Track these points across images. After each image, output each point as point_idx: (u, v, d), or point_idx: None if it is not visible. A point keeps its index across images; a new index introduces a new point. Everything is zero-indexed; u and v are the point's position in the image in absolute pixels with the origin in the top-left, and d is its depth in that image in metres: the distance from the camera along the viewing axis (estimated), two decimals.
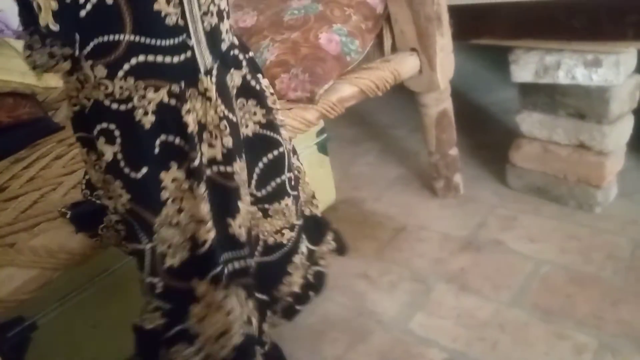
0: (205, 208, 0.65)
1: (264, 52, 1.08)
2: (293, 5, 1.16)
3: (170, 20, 0.60)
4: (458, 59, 1.29)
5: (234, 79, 0.71)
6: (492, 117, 1.84)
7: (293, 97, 1.01)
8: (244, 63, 0.73)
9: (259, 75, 0.76)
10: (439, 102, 1.27)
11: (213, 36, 0.66)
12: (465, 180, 1.47)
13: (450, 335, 1.03)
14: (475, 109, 1.91)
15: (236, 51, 0.72)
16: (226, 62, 0.69)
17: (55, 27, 0.55)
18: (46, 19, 0.55)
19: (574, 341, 0.97)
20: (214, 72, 0.66)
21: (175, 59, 0.62)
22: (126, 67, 0.60)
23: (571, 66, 1.19)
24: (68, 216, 0.78)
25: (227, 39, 0.69)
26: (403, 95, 1.39)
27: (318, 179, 1.36)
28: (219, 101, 0.66)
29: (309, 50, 1.04)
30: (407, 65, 1.16)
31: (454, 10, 1.24)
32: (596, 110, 1.21)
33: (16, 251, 0.72)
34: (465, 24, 1.27)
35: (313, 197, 0.89)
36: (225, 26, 0.68)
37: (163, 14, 0.59)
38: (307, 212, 0.88)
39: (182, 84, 0.63)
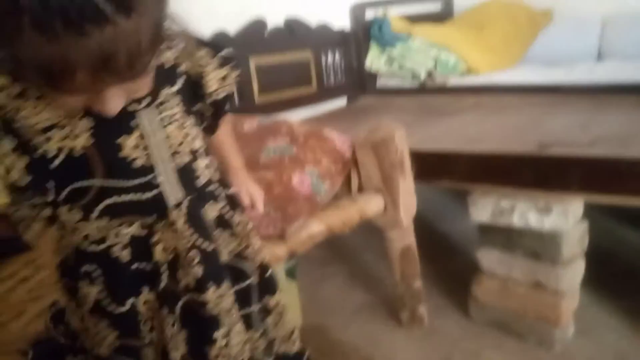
0: (169, 332, 0.68)
1: None
2: (270, 146, 1.25)
3: (137, 164, 0.66)
4: (423, 189, 1.38)
5: (211, 211, 0.75)
6: (456, 246, 1.92)
7: (264, 233, 1.06)
8: (221, 197, 0.77)
9: (239, 210, 0.80)
10: (402, 238, 1.33)
11: (185, 173, 0.70)
12: (431, 310, 1.50)
13: None
14: (439, 237, 2.00)
15: (213, 187, 0.76)
16: (202, 196, 0.73)
17: (26, 181, 0.62)
18: (14, 177, 0.62)
19: None
20: (184, 205, 0.70)
21: (145, 196, 0.67)
22: (100, 207, 0.65)
23: (524, 211, 1.28)
24: (29, 357, 0.77)
25: (204, 175, 0.74)
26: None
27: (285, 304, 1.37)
28: (189, 232, 0.69)
29: (282, 190, 1.11)
30: (372, 204, 1.24)
31: (416, 155, 1.35)
32: (549, 252, 1.29)
33: None
34: (427, 168, 1.38)
35: (292, 333, 0.89)
36: (200, 164, 0.73)
37: (130, 159, 0.65)
38: (281, 350, 0.87)
39: (154, 217, 0.68)
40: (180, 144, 0.69)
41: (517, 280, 1.36)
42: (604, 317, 1.43)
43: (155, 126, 0.67)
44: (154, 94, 0.66)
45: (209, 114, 0.76)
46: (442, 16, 2.93)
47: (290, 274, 1.47)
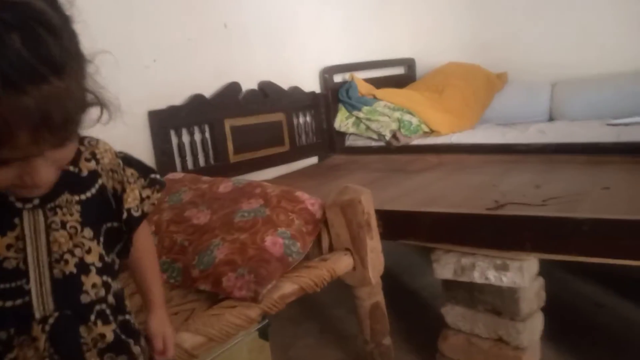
0: None
1: (213, 250, 1.19)
2: (244, 208, 1.31)
3: (9, 264, 0.61)
4: (391, 244, 1.44)
5: (98, 332, 0.67)
6: (423, 302, 1.97)
7: (238, 296, 1.09)
8: (113, 320, 0.70)
9: (138, 338, 0.75)
10: (371, 296, 1.39)
11: (65, 285, 0.64)
12: None
13: None
14: (408, 293, 2.05)
15: (104, 307, 0.68)
16: (83, 313, 0.66)
17: None
18: None
19: None
20: (51, 320, 0.63)
21: (9, 303, 0.61)
22: None
23: (484, 268, 1.36)
24: None
25: (93, 293, 0.67)
26: None
27: None
28: (51, 351, 0.63)
29: (255, 252, 1.16)
30: (342, 263, 1.30)
31: (382, 214, 1.43)
32: (509, 308, 1.36)
33: None
34: (393, 227, 1.46)
35: None
36: (90, 280, 0.67)
37: (1, 258, 0.61)
38: None
39: (12, 331, 0.62)
40: (67, 252, 0.65)
41: (480, 335, 1.42)
42: None
43: (40, 228, 0.63)
44: (51, 196, 0.64)
45: (124, 230, 0.73)
46: (406, 79, 3.12)
47: (263, 334, 1.49)
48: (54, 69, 0.49)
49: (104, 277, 0.69)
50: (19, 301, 0.62)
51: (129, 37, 1.82)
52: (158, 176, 0.78)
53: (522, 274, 1.31)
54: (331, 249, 1.36)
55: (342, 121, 2.65)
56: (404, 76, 3.15)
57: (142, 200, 0.74)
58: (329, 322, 1.92)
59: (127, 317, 0.73)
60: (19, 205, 0.62)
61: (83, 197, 0.68)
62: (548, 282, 1.42)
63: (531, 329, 1.37)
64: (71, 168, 0.67)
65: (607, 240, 1.22)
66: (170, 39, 1.97)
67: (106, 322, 0.68)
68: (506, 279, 1.33)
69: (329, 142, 2.69)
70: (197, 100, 2.02)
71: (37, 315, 0.63)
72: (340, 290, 2.04)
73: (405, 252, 2.29)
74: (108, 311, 0.69)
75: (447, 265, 1.41)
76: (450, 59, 3.00)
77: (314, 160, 2.64)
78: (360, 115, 2.59)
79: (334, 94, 2.69)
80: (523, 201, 1.46)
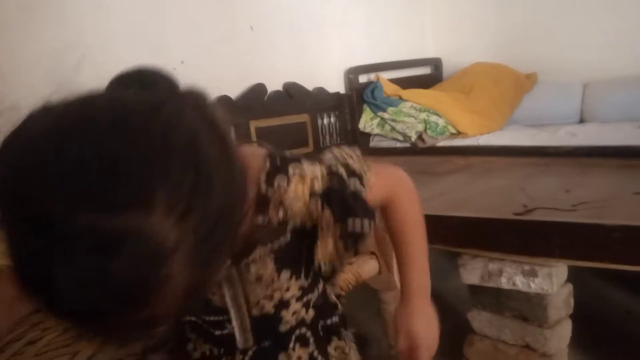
0: None
1: None
2: None
3: (215, 302, 0.67)
4: None
5: (296, 356, 0.70)
6: (449, 307, 1.95)
7: None
8: (311, 340, 0.71)
9: (334, 341, 0.75)
10: (396, 300, 1.37)
11: (264, 321, 0.68)
12: None
13: None
14: (433, 297, 2.03)
15: (303, 330, 0.71)
16: (283, 342, 0.69)
17: None
18: None
19: None
20: (250, 353, 0.68)
21: (217, 332, 0.69)
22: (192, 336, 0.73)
23: (511, 274, 1.34)
24: None
25: (293, 320, 0.69)
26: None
27: None
28: None
29: None
30: (367, 267, 1.30)
31: None
32: (536, 314, 1.34)
33: None
34: None
35: None
36: (290, 310, 0.69)
37: (211, 296, 0.66)
38: None
39: (222, 350, 0.70)
40: (264, 298, 0.67)
41: (506, 341, 1.40)
42: None
43: (235, 282, 0.65)
44: (244, 252, 0.63)
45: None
46: (432, 79, 3.08)
47: None
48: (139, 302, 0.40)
49: (305, 299, 0.70)
50: (226, 331, 0.69)
51: (160, 40, 1.86)
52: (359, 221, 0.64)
53: (550, 280, 1.29)
54: (357, 253, 1.36)
55: (367, 122, 2.64)
56: (430, 76, 3.12)
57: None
58: (351, 325, 1.92)
59: (335, 318, 0.76)
60: None
61: (276, 245, 0.63)
62: (577, 289, 1.40)
63: (559, 336, 1.35)
64: (260, 220, 0.59)
65: (639, 248, 1.19)
66: (198, 41, 2.00)
67: (304, 344, 0.71)
68: (534, 285, 1.31)
69: (353, 143, 2.68)
70: (222, 102, 2.04)
71: (239, 345, 0.68)
72: (363, 293, 2.06)
73: (431, 257, 2.26)
74: (308, 333, 0.71)
75: (474, 271, 1.40)
76: (477, 58, 2.96)
77: None
78: (386, 116, 2.58)
79: (358, 94, 2.68)
80: (552, 206, 1.44)
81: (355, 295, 2.10)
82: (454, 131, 2.49)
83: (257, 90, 2.21)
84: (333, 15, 2.61)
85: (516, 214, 1.39)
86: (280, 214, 0.60)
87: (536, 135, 2.38)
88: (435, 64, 3.17)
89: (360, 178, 0.66)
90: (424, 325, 0.74)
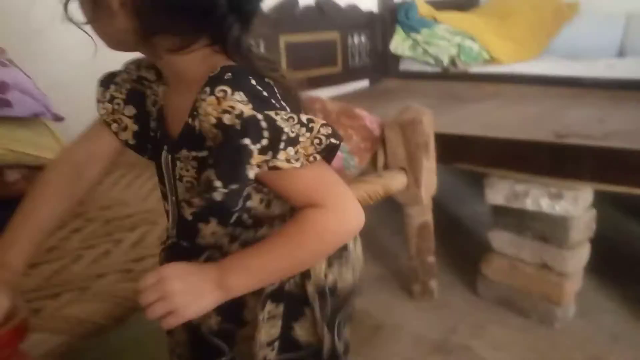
0: None
1: None
2: None
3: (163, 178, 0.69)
4: (441, 173, 1.47)
5: None
6: (468, 228, 2.01)
7: None
8: None
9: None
10: (421, 215, 1.43)
11: (185, 224, 0.67)
12: (440, 286, 1.60)
13: None
14: (453, 220, 2.09)
15: (217, 255, 0.65)
16: (197, 252, 0.66)
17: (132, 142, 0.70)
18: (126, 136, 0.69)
19: None
20: (169, 242, 0.70)
21: (165, 204, 0.70)
22: None
23: (537, 196, 1.37)
24: None
25: (211, 240, 0.66)
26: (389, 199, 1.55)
27: None
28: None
29: None
30: (396, 181, 1.34)
31: (439, 137, 1.44)
32: (558, 236, 1.38)
33: (48, 317, 0.81)
34: (448, 150, 1.46)
35: None
36: (209, 228, 0.65)
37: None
38: None
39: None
40: (185, 201, 0.66)
41: (525, 260, 1.45)
42: (603, 301, 1.52)
43: (169, 168, 0.66)
44: (176, 146, 0.63)
45: None
46: (468, 3, 2.97)
47: None
48: None
49: (230, 229, 0.65)
50: (167, 207, 0.69)
51: None
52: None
53: (576, 203, 1.32)
54: (386, 167, 1.39)
55: (399, 44, 2.58)
56: (466, 0, 3.00)
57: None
58: (373, 241, 1.99)
59: None
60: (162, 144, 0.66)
61: (197, 155, 0.61)
62: (599, 217, 1.43)
63: (577, 257, 1.40)
64: (190, 120, 0.59)
65: None
66: None
67: None
68: (559, 208, 1.34)
69: (383, 65, 2.64)
70: None
71: (169, 229, 0.69)
72: (386, 213, 2.11)
73: (456, 179, 2.30)
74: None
75: (499, 191, 1.42)
76: None
77: (365, 83, 2.61)
78: (419, 38, 2.51)
79: (392, 14, 2.60)
80: (585, 134, 1.43)
81: (377, 212, 2.17)
82: (488, 57, 2.43)
83: (289, 2, 2.16)
84: None
85: (547, 138, 1.40)
86: (197, 124, 0.57)
87: (572, 65, 2.32)
88: None
89: (287, 155, 0.54)
90: (190, 289, 0.58)
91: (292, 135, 0.54)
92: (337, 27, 2.37)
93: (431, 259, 1.53)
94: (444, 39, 2.45)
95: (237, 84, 0.55)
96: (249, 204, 0.62)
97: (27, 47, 1.45)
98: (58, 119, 1.34)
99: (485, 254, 1.55)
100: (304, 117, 0.56)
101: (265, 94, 0.57)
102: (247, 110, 0.54)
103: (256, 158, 0.54)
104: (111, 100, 0.69)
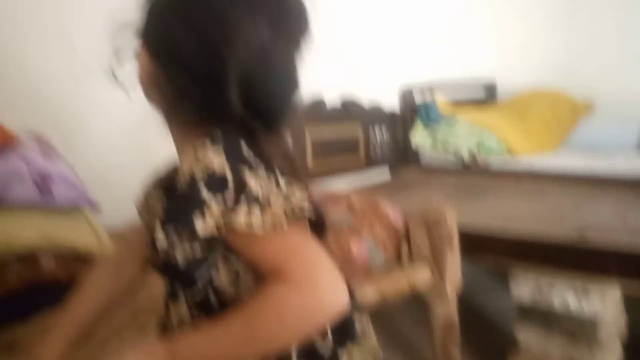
0: None
1: None
2: (330, 214, 1.39)
3: None
4: (465, 266, 1.47)
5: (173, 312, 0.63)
6: (494, 323, 1.97)
7: None
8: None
9: None
10: (445, 308, 1.42)
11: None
12: None
13: None
14: (478, 313, 2.05)
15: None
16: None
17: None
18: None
19: None
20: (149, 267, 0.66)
21: None
22: None
23: (563, 291, 1.36)
24: None
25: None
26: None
27: None
28: None
29: (341, 257, 1.23)
30: (421, 275, 1.35)
31: (463, 231, 1.47)
32: (586, 334, 1.35)
33: None
34: (473, 244, 1.49)
35: None
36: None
37: None
38: None
39: None
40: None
41: (553, 358, 1.41)
42: None
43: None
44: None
45: None
46: (486, 100, 3.11)
47: None
48: None
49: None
50: None
51: None
52: None
53: (603, 301, 1.31)
54: (410, 259, 1.41)
55: (419, 138, 2.69)
56: (484, 97, 3.15)
57: None
58: (396, 334, 1.96)
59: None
60: None
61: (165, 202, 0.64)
62: (630, 315, 1.40)
63: (607, 357, 1.35)
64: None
65: None
66: None
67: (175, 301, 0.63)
68: (586, 304, 1.33)
69: (404, 157, 2.73)
70: None
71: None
72: (409, 299, 2.09)
73: (480, 273, 2.28)
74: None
75: (524, 286, 1.42)
76: (533, 81, 2.97)
77: (386, 174, 2.70)
78: (438, 133, 2.62)
79: (412, 110, 2.74)
80: (608, 231, 1.44)
81: (404, 302, 2.14)
82: (506, 152, 2.50)
83: (315, 100, 2.30)
84: (390, 33, 2.69)
85: (571, 236, 1.41)
86: (178, 182, 0.54)
87: (591, 160, 2.36)
88: (490, 84, 3.19)
89: (248, 217, 0.50)
90: None
91: (259, 194, 0.51)
92: (360, 123, 2.51)
93: (456, 353, 1.50)
94: (464, 134, 2.55)
95: (220, 139, 0.54)
96: (215, 280, 0.57)
97: (69, 136, 1.56)
98: (95, 208, 1.41)
99: (512, 350, 1.51)
100: (283, 182, 0.53)
101: (246, 153, 0.55)
102: (218, 159, 0.51)
103: (213, 211, 0.50)
104: (147, 192, 0.73)
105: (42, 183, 1.27)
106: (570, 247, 1.38)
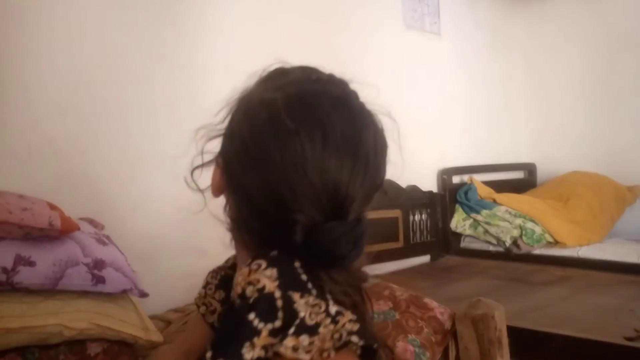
0: None
1: None
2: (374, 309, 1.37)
3: None
4: None
5: None
6: None
7: None
8: None
9: None
10: None
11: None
12: None
13: None
14: None
15: None
16: None
17: None
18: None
19: None
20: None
21: None
22: None
23: None
24: None
25: None
26: None
27: None
28: None
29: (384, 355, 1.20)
30: None
31: (513, 331, 1.41)
32: None
33: None
34: (523, 346, 1.42)
35: None
36: None
37: None
38: None
39: None
40: None
41: None
42: None
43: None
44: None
45: None
46: (526, 184, 3.08)
47: None
48: None
49: None
50: None
51: None
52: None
53: None
54: None
55: (459, 222, 2.66)
56: (524, 181, 3.13)
57: None
58: None
59: None
60: None
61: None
62: None
63: None
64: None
65: None
66: None
67: None
68: None
69: (444, 242, 2.70)
70: None
71: None
72: None
73: None
74: None
75: None
76: (573, 165, 2.94)
77: (426, 258, 2.65)
78: (479, 218, 2.59)
79: (451, 194, 2.73)
80: None
81: None
82: (550, 240, 2.44)
83: None
84: (430, 116, 2.74)
85: (627, 339, 1.34)
86: (232, 295, 0.56)
87: None
88: (529, 169, 3.18)
89: (297, 343, 0.50)
90: None
91: (310, 323, 0.51)
92: (399, 206, 2.51)
93: None
94: (505, 220, 2.51)
95: (275, 261, 0.54)
96: None
97: (122, 223, 1.62)
98: (143, 295, 1.43)
99: None
100: (333, 309, 0.53)
101: (302, 277, 0.55)
102: (270, 285, 0.52)
103: (262, 339, 0.50)
104: (206, 285, 0.75)
105: (95, 269, 1.31)
106: (626, 354, 1.30)
